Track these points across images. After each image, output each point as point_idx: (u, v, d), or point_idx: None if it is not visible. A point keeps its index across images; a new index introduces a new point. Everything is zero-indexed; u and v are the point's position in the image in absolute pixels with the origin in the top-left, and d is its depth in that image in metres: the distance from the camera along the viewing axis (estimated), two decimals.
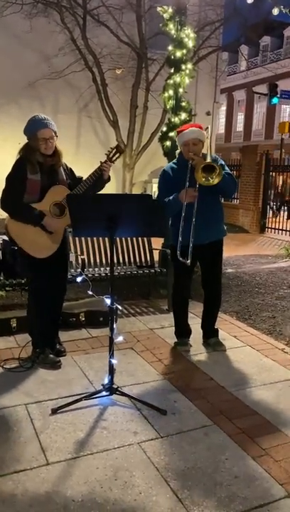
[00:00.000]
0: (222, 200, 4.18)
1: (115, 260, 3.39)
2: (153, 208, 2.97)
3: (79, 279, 3.63)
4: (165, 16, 5.26)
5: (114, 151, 3.32)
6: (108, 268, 4.62)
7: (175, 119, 5.29)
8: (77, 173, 3.50)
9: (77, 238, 4.66)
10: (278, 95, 21.25)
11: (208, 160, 3.36)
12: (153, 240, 5.11)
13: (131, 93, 11.24)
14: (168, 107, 5.42)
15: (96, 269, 4.80)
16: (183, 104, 5.34)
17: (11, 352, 3.63)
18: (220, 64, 14.20)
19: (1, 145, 11.18)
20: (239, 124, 34.34)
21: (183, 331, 3.87)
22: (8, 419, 2.72)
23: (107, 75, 11.18)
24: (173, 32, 5.21)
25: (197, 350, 3.80)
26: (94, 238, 4.84)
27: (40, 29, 10.57)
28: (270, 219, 11.36)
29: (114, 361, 2.94)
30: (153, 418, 2.76)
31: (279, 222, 10.88)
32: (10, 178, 3.19)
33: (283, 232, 10.62)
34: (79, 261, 4.48)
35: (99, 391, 2.94)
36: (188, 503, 2.11)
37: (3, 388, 3.07)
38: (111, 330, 2.93)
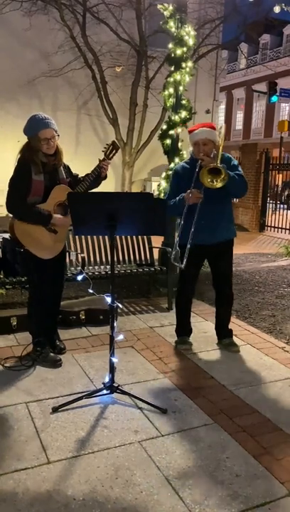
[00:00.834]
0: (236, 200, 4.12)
1: (115, 258, 3.39)
2: (153, 206, 2.96)
3: (79, 278, 3.62)
4: (166, 13, 5.24)
5: (110, 148, 3.30)
6: (108, 266, 4.62)
7: (176, 117, 5.28)
8: (77, 170, 3.49)
9: (77, 236, 4.66)
10: (278, 93, 21.26)
11: (218, 162, 3.33)
12: (153, 238, 5.11)
13: (130, 91, 11.22)
14: (168, 105, 5.41)
15: (96, 267, 4.79)
16: (183, 102, 5.33)
17: (11, 350, 3.63)
18: (220, 62, 14.18)
19: (1, 144, 11.18)
20: (239, 123, 34.34)
21: (184, 329, 3.87)
22: (9, 417, 2.72)
23: (107, 72, 11.16)
24: (173, 30, 5.20)
25: (198, 348, 3.80)
26: (94, 236, 4.83)
27: (39, 27, 10.54)
28: (270, 216, 11.37)
29: (114, 360, 2.94)
30: (154, 416, 2.76)
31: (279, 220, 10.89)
32: (15, 181, 3.15)
33: (283, 230, 10.62)
34: (80, 259, 4.47)
35: (100, 389, 2.94)
36: (189, 501, 2.11)
37: (3, 387, 3.06)
38: (112, 328, 2.93)
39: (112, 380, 2.93)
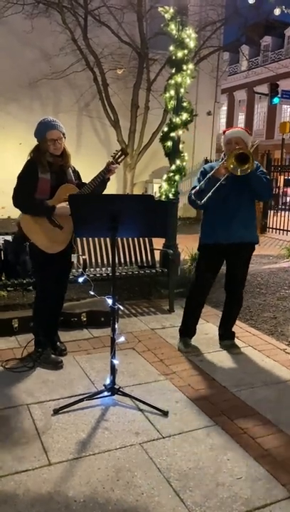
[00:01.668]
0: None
1: (116, 260, 3.40)
2: (154, 208, 2.97)
3: (80, 280, 3.63)
4: (167, 16, 5.25)
5: (119, 153, 3.40)
6: (109, 268, 4.62)
7: (177, 120, 5.28)
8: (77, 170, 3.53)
9: (78, 238, 4.66)
10: (279, 95, 21.28)
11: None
12: (154, 240, 5.11)
13: (132, 93, 11.24)
14: (169, 107, 5.41)
15: (97, 269, 4.80)
16: (185, 104, 5.33)
17: (12, 352, 3.63)
18: (221, 64, 14.19)
19: (3, 144, 11.23)
20: (240, 124, 34.28)
21: (189, 331, 3.87)
22: (10, 419, 2.72)
23: (108, 75, 11.18)
24: (174, 32, 5.20)
25: (199, 350, 3.80)
26: (96, 238, 4.84)
27: (41, 29, 10.58)
28: (272, 218, 11.36)
29: (115, 361, 2.94)
30: (155, 418, 2.76)
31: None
32: (21, 177, 3.27)
33: (285, 232, 10.61)
34: (81, 261, 4.48)
35: (101, 391, 2.95)
36: (190, 503, 2.11)
37: (5, 388, 3.07)
38: (113, 330, 2.93)
39: (113, 381, 2.94)
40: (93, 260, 4.82)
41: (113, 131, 11.47)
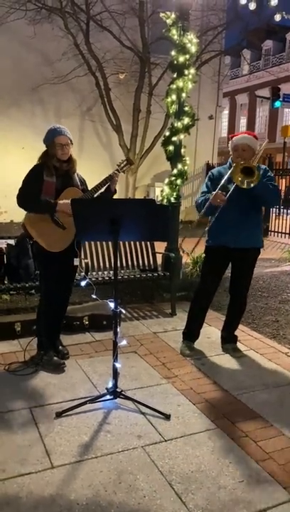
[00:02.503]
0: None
1: (118, 264, 3.42)
2: (156, 212, 2.99)
3: (83, 283, 3.65)
4: (168, 21, 5.28)
5: (124, 163, 3.55)
6: (111, 272, 4.64)
7: (178, 124, 5.31)
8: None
9: (81, 242, 4.68)
10: (281, 99, 21.32)
11: (254, 164, 3.35)
12: (156, 243, 5.13)
13: (134, 97, 11.28)
14: (171, 111, 5.45)
15: (99, 272, 4.81)
16: (186, 108, 5.36)
17: (15, 356, 3.65)
18: (223, 68, 14.25)
19: (5, 149, 11.28)
20: (242, 128, 34.35)
21: (192, 334, 3.88)
22: (13, 422, 2.74)
23: (110, 79, 11.23)
24: (175, 37, 5.24)
25: (201, 354, 3.81)
26: (98, 242, 4.86)
27: (43, 34, 10.65)
28: (274, 221, 11.36)
29: (117, 365, 2.95)
30: (157, 422, 2.77)
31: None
32: (26, 179, 3.35)
33: (287, 235, 10.61)
34: (83, 265, 4.50)
35: (103, 395, 2.96)
36: (191, 506, 2.12)
37: (8, 391, 3.08)
38: (115, 334, 2.95)
39: (115, 385, 2.95)
40: (95, 264, 4.84)
41: (115, 135, 11.51)
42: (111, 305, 2.99)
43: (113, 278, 3.07)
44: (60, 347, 3.66)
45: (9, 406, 2.90)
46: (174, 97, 5.30)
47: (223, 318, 4.03)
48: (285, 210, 12.09)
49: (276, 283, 6.31)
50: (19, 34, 10.59)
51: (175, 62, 5.29)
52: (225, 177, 3.46)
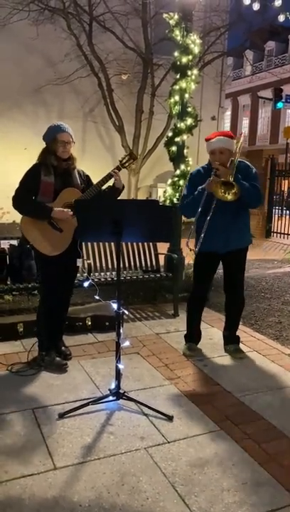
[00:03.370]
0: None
1: (121, 265, 3.41)
2: (159, 213, 2.99)
3: (85, 284, 3.64)
4: (171, 22, 5.29)
5: (127, 157, 3.45)
6: (114, 273, 4.63)
7: (181, 125, 5.31)
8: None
9: (83, 243, 4.68)
10: (283, 100, 21.27)
11: (232, 174, 3.34)
12: (159, 244, 5.12)
13: (136, 98, 11.29)
14: (173, 112, 5.45)
15: (102, 273, 4.81)
16: (189, 109, 5.36)
17: (17, 356, 3.64)
18: (225, 69, 14.24)
19: (7, 151, 11.28)
20: (244, 129, 34.34)
21: (192, 335, 3.87)
22: (16, 423, 2.73)
23: (113, 80, 11.25)
24: (178, 38, 5.23)
25: (204, 355, 3.80)
26: (101, 243, 4.86)
27: (46, 35, 10.65)
28: (276, 222, 11.35)
29: (120, 366, 2.95)
30: (160, 423, 2.76)
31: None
32: (23, 179, 3.31)
33: (289, 236, 10.59)
34: (86, 265, 4.49)
35: (106, 396, 2.95)
36: (195, 508, 2.11)
37: (10, 392, 3.08)
38: (118, 335, 2.94)
39: (118, 386, 2.94)
40: (98, 265, 4.83)
41: (118, 136, 11.51)
42: (114, 306, 2.98)
43: (116, 279, 3.07)
44: (63, 348, 3.65)
45: (12, 407, 2.90)
46: (177, 97, 5.30)
47: (238, 321, 4.00)
48: (288, 212, 12.08)
49: (278, 284, 6.29)
50: (22, 35, 10.59)
51: (178, 62, 5.29)
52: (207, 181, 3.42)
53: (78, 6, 10.20)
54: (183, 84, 5.24)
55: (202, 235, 3.47)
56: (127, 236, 2.92)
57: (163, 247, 5.23)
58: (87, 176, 3.53)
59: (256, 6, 7.11)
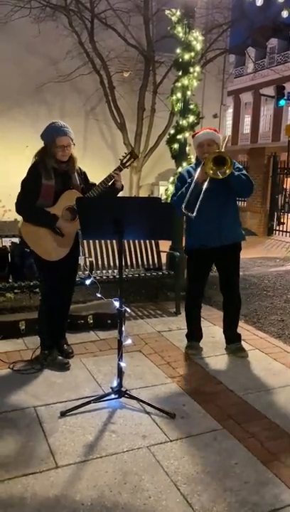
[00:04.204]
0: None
1: (123, 263, 3.40)
2: (160, 210, 2.97)
3: (87, 282, 3.63)
4: (174, 18, 5.25)
5: (127, 157, 3.39)
6: (116, 270, 4.62)
7: (183, 122, 5.28)
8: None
9: (85, 241, 4.67)
10: (286, 97, 21.18)
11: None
12: (161, 242, 5.11)
13: (138, 96, 11.25)
14: (175, 109, 5.42)
15: (104, 271, 4.80)
16: (191, 106, 5.33)
17: (19, 354, 3.64)
18: (227, 66, 14.18)
19: (8, 148, 11.27)
20: (246, 127, 34.27)
21: (193, 334, 3.86)
22: (18, 421, 2.72)
23: (115, 77, 11.20)
24: (181, 35, 5.21)
25: (206, 353, 3.78)
26: (102, 241, 4.85)
27: (48, 33, 10.61)
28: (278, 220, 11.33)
29: (122, 364, 2.94)
30: (162, 421, 2.75)
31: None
32: (25, 183, 3.25)
33: None
34: (88, 263, 4.48)
35: (108, 394, 2.94)
36: (197, 507, 2.10)
37: (12, 390, 3.07)
38: (120, 333, 2.93)
39: (120, 384, 2.93)
40: (100, 262, 4.82)
41: (119, 134, 11.48)
42: (116, 304, 2.97)
43: (118, 277, 3.05)
44: (65, 346, 3.64)
45: (14, 405, 2.89)
46: (179, 95, 5.28)
47: (237, 319, 3.97)
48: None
49: (281, 282, 6.28)
50: (23, 33, 10.55)
51: (180, 60, 5.26)
52: (198, 170, 3.39)
53: (80, 3, 10.16)
54: (185, 81, 5.22)
55: (193, 229, 3.44)
56: (129, 234, 2.91)
57: (165, 245, 5.22)
58: (84, 173, 3.48)
59: (259, 2, 7.07)
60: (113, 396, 2.92)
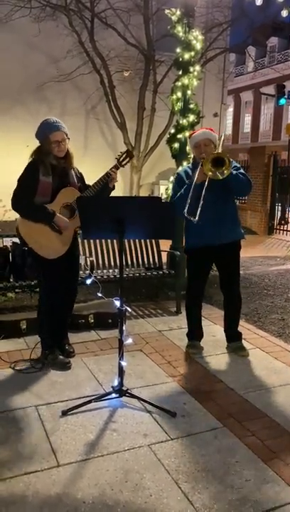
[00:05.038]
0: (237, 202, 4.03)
1: (123, 262, 3.41)
2: (161, 210, 2.97)
3: (88, 281, 3.64)
4: (174, 18, 5.26)
5: (124, 156, 3.37)
6: (117, 270, 4.63)
7: (184, 121, 5.29)
8: (84, 174, 3.52)
9: (86, 240, 4.68)
10: (286, 96, 21.17)
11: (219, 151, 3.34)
12: (162, 241, 5.11)
13: (138, 95, 11.25)
14: (176, 109, 5.43)
15: (104, 270, 4.81)
16: (191, 106, 5.34)
17: (20, 353, 3.65)
18: (227, 65, 14.17)
19: (9, 147, 11.28)
20: (247, 126, 34.26)
21: (194, 333, 3.87)
22: (19, 420, 2.73)
23: (115, 77, 11.21)
24: (181, 34, 5.21)
25: (207, 352, 3.79)
26: (103, 240, 4.86)
27: (48, 32, 10.62)
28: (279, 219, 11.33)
29: (123, 363, 2.95)
30: (163, 420, 2.76)
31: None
32: (22, 179, 3.22)
33: None
34: (88, 263, 4.49)
35: (109, 393, 2.95)
36: (198, 505, 2.11)
37: (13, 390, 3.08)
38: (121, 332, 2.94)
39: (121, 383, 2.94)
40: (100, 262, 4.83)
41: (120, 133, 11.49)
42: (117, 303, 2.98)
43: (118, 276, 3.06)
44: (66, 346, 3.64)
45: (15, 404, 2.90)
46: (179, 94, 5.28)
47: (238, 318, 3.98)
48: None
49: (281, 281, 6.28)
50: (24, 32, 10.56)
51: (181, 59, 5.27)
52: (196, 171, 3.38)
53: (80, 2, 10.16)
54: (185, 80, 5.23)
55: (193, 229, 3.44)
56: (129, 233, 2.91)
57: (166, 244, 5.22)
58: (81, 174, 3.47)
59: (259, 1, 7.07)
60: (114, 395, 2.93)
